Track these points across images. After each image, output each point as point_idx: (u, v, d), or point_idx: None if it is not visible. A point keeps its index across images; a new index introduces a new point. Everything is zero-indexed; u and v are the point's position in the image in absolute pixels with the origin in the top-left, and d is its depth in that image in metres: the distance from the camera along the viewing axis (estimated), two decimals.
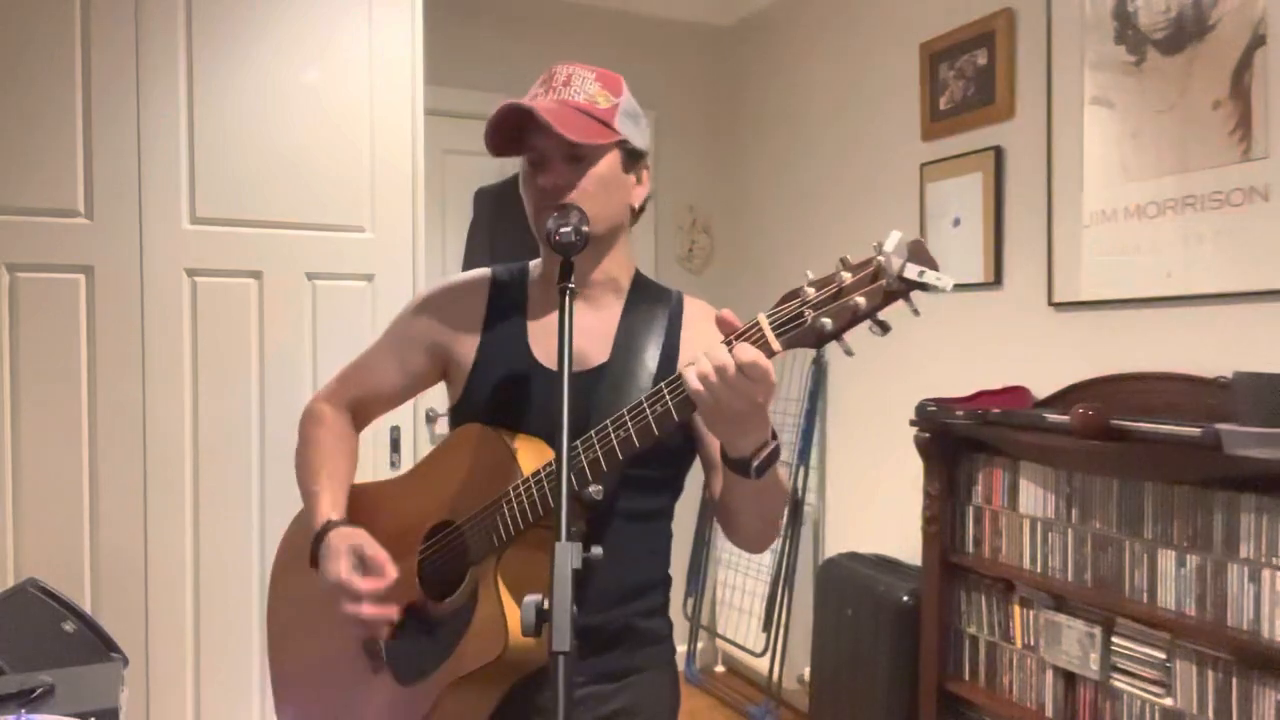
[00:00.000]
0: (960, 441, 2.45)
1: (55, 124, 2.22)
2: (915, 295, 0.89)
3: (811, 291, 0.91)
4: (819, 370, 3.36)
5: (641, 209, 1.28)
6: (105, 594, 2.27)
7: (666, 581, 1.32)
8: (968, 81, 2.74)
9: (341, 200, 2.49)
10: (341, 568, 1.14)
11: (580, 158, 1.17)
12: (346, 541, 1.17)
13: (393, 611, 1.16)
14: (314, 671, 1.34)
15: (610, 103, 1.20)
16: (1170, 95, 2.17)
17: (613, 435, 1.02)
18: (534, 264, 1.32)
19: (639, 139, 1.24)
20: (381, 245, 2.53)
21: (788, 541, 3.34)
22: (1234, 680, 1.85)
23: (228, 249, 2.38)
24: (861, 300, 0.88)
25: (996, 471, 2.39)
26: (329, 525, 1.21)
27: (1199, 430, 1.80)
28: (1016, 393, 2.49)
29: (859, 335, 0.91)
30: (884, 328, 0.89)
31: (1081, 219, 2.38)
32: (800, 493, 3.33)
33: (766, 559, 3.48)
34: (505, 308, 1.28)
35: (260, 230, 2.41)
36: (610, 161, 1.19)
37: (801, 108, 3.54)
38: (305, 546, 1.25)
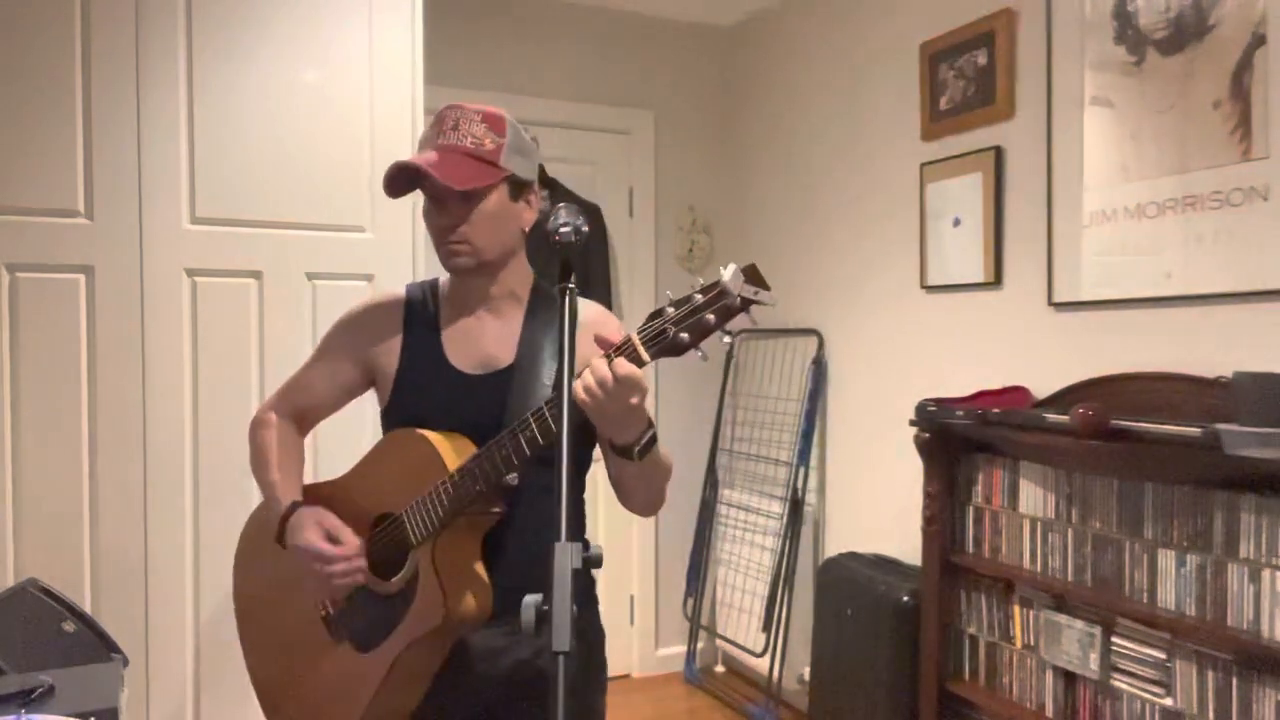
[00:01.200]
0: (960, 441, 2.45)
1: (55, 124, 2.22)
2: (755, 309, 1.12)
3: (672, 311, 1.12)
4: (819, 370, 3.36)
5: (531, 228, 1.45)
6: (105, 594, 2.27)
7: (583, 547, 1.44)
8: (968, 81, 2.74)
9: (341, 200, 2.49)
10: (314, 536, 1.34)
11: (470, 195, 1.33)
12: (313, 517, 1.37)
13: (357, 570, 1.34)
14: (282, 649, 1.51)
15: (496, 143, 1.35)
16: (1170, 95, 2.17)
17: (520, 435, 1.21)
18: (443, 280, 1.49)
19: (526, 170, 1.40)
20: (381, 245, 2.53)
21: (788, 541, 3.34)
22: (1234, 680, 1.85)
23: (228, 249, 2.38)
24: (711, 317, 1.09)
25: (996, 471, 2.39)
26: (294, 505, 1.40)
27: (1199, 430, 1.80)
28: (1016, 393, 2.49)
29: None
30: (732, 335, 1.12)
31: (1081, 219, 2.38)
32: (800, 493, 3.33)
33: (766, 559, 3.48)
34: (420, 321, 1.45)
35: (260, 230, 2.41)
36: (498, 196, 1.36)
37: (801, 108, 3.54)
38: (262, 536, 1.49)
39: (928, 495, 2.50)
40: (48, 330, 2.23)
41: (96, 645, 1.91)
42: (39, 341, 2.22)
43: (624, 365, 1.11)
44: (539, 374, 1.37)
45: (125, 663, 1.89)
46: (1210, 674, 1.89)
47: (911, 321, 2.98)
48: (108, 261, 2.27)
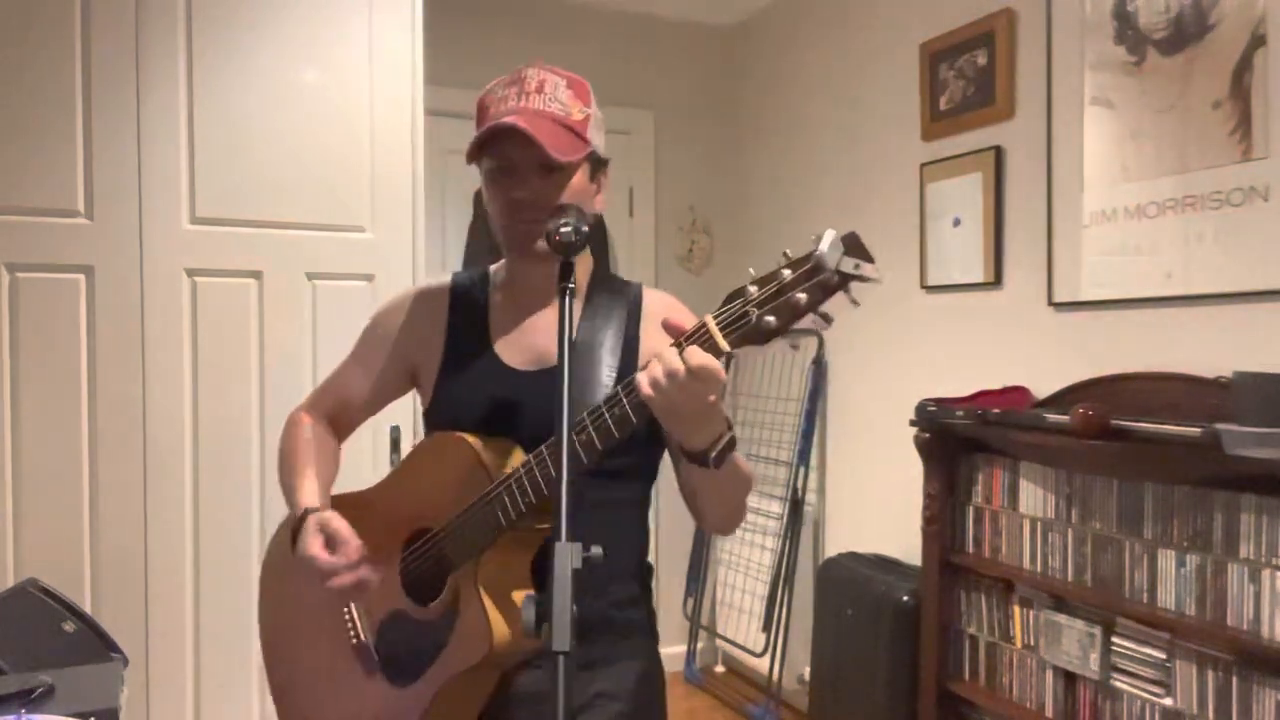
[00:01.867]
0: (960, 441, 2.45)
1: (55, 124, 2.22)
2: (855, 286, 0.93)
3: (754, 290, 0.93)
4: (819, 370, 3.36)
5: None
6: (105, 594, 2.27)
7: (642, 570, 1.32)
8: (968, 81, 2.74)
9: (341, 200, 2.49)
10: (313, 544, 1.18)
11: (553, 169, 1.17)
12: (317, 522, 1.20)
13: (359, 580, 1.17)
14: (309, 676, 1.37)
15: (583, 114, 1.21)
16: (1170, 95, 2.17)
17: (575, 440, 1.03)
18: (494, 268, 1.34)
19: (603, 147, 1.26)
20: (381, 245, 2.53)
21: (788, 541, 3.34)
22: (1234, 680, 1.85)
23: (228, 249, 2.38)
24: (802, 296, 0.91)
25: (996, 471, 2.39)
26: (307, 512, 1.23)
27: (1199, 430, 1.80)
28: (1016, 393, 2.49)
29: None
30: (827, 319, 0.93)
31: (1081, 219, 2.38)
32: (800, 493, 3.33)
33: (766, 559, 3.48)
34: (467, 313, 1.30)
35: (260, 230, 2.41)
36: (581, 173, 1.21)
37: (801, 108, 3.54)
38: (288, 552, 1.27)
39: (928, 495, 2.50)
40: (48, 330, 2.23)
41: (96, 645, 1.91)
42: (39, 341, 2.22)
43: (698, 355, 0.93)
44: (598, 372, 1.20)
45: (125, 663, 1.89)
46: (1210, 674, 1.89)
47: (911, 321, 2.98)
48: (108, 261, 2.27)
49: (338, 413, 1.41)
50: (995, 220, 2.65)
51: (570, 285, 1.07)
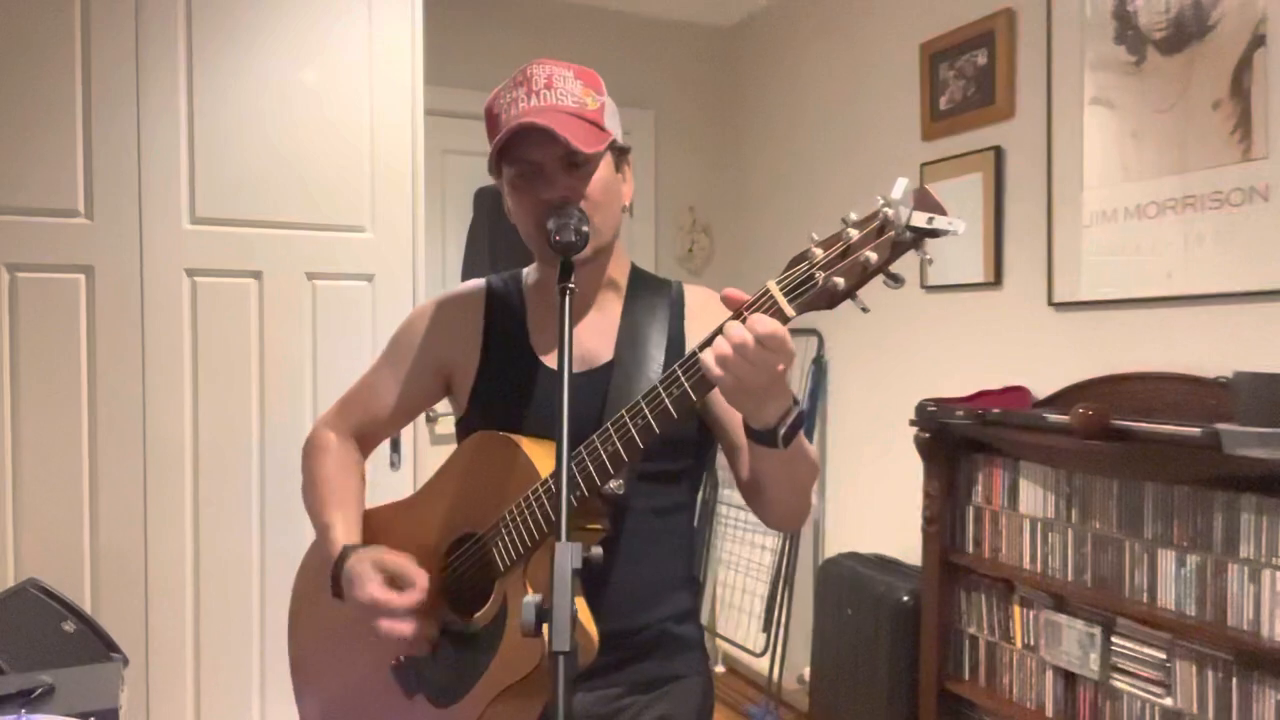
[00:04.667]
0: (960, 441, 2.45)
1: (55, 124, 2.22)
2: (928, 242, 0.86)
3: (819, 252, 0.89)
4: (819, 370, 3.36)
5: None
6: (105, 594, 2.26)
7: (694, 583, 1.29)
8: (968, 81, 2.74)
9: (341, 200, 2.49)
10: (373, 588, 1.12)
11: (578, 164, 1.13)
12: (370, 559, 1.14)
13: (433, 628, 1.14)
14: (345, 703, 1.30)
15: (598, 103, 1.16)
16: (1170, 95, 2.17)
17: (630, 424, 1.00)
18: (526, 271, 1.31)
19: (620, 135, 1.21)
20: (381, 245, 2.53)
21: (788, 541, 3.34)
22: (1234, 680, 1.85)
23: (228, 249, 2.38)
24: (872, 255, 0.85)
25: (996, 471, 2.39)
26: (346, 551, 1.18)
27: (1199, 430, 1.80)
28: (1016, 393, 2.49)
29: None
30: (898, 280, 0.87)
31: (1081, 219, 2.38)
32: None
33: (766, 559, 3.48)
34: (504, 315, 1.26)
35: (260, 230, 2.41)
36: (607, 164, 1.17)
37: (801, 108, 3.54)
38: (324, 577, 1.22)
39: (928, 495, 2.50)
40: (48, 330, 2.23)
41: (96, 645, 1.91)
42: (39, 341, 2.22)
43: (765, 322, 0.88)
44: (644, 369, 1.16)
45: (125, 663, 1.89)
46: (1210, 674, 1.89)
47: (911, 321, 2.98)
48: (108, 261, 2.27)
49: (365, 426, 1.35)
50: (995, 220, 2.65)
51: (570, 285, 1.04)
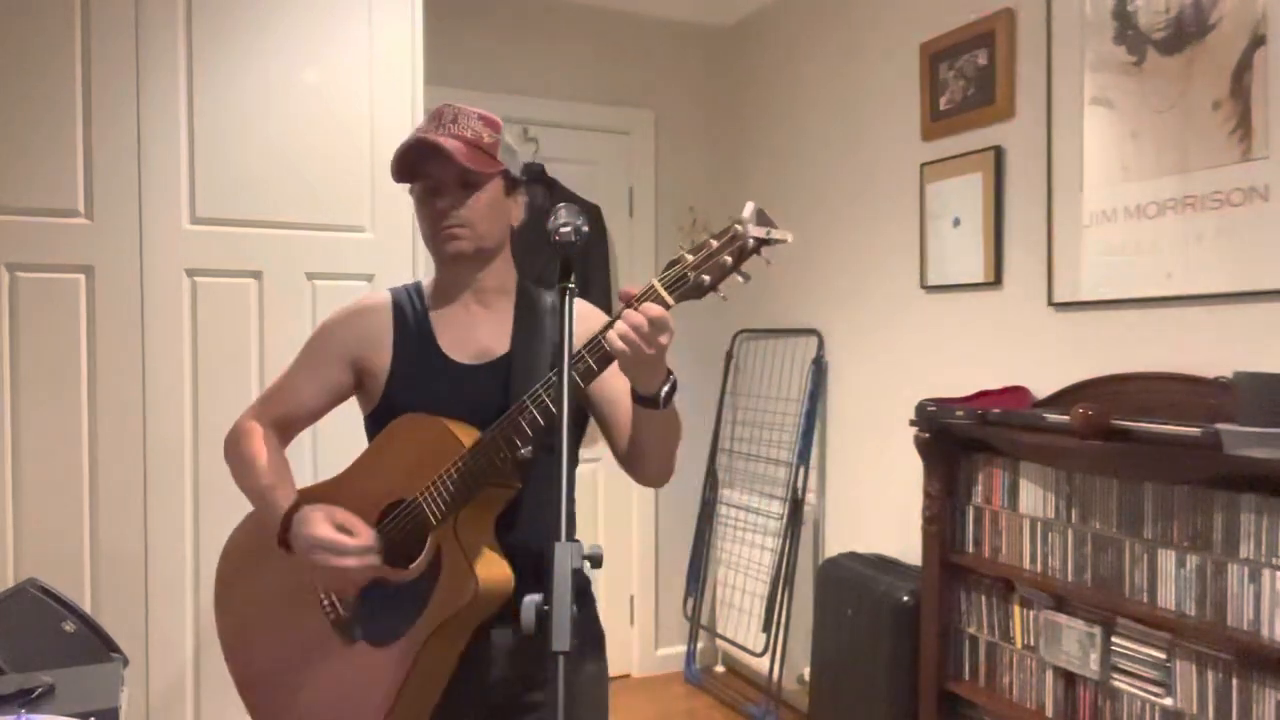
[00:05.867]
0: (960, 441, 2.45)
1: (55, 124, 2.22)
2: (767, 250, 1.16)
3: (690, 257, 1.15)
4: (819, 370, 3.36)
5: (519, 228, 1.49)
6: (105, 594, 2.27)
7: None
8: (968, 81, 2.74)
9: (341, 200, 2.49)
10: (324, 529, 1.30)
11: (470, 185, 1.38)
12: (321, 511, 1.33)
13: (372, 562, 1.31)
14: (286, 661, 1.45)
15: (493, 138, 1.40)
16: (1170, 95, 2.17)
17: (544, 393, 1.23)
18: (425, 281, 1.52)
19: (515, 169, 1.45)
20: (381, 245, 2.53)
21: (788, 541, 3.34)
22: (1234, 680, 1.85)
23: (228, 249, 2.38)
24: (728, 258, 1.13)
25: (996, 471, 2.39)
26: (296, 505, 1.37)
27: (1199, 430, 1.80)
28: (1016, 393, 2.49)
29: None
30: (746, 277, 1.15)
31: (1081, 219, 2.38)
32: (800, 493, 3.33)
33: (766, 559, 3.48)
34: (410, 317, 1.46)
35: (260, 230, 2.41)
36: (495, 188, 1.41)
37: (801, 108, 3.54)
38: (254, 549, 1.44)
39: (928, 495, 2.50)
40: (48, 330, 2.23)
41: (96, 645, 1.91)
42: (39, 341, 2.22)
43: (653, 307, 1.14)
44: (538, 362, 1.38)
45: (125, 663, 1.89)
46: (1210, 674, 1.89)
47: (911, 321, 2.98)
48: (108, 261, 2.27)
49: (284, 421, 1.52)
50: (995, 220, 2.65)
51: (571, 285, 1.18)
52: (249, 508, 2.53)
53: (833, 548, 3.27)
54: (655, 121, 3.87)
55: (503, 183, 1.42)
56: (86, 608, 2.16)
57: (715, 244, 1.14)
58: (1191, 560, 1.93)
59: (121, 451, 2.29)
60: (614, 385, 1.35)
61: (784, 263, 3.62)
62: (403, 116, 2.54)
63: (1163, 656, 1.98)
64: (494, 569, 1.29)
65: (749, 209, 1.14)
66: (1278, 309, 1.97)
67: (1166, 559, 1.98)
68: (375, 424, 1.45)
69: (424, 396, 1.38)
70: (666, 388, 1.25)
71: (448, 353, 1.42)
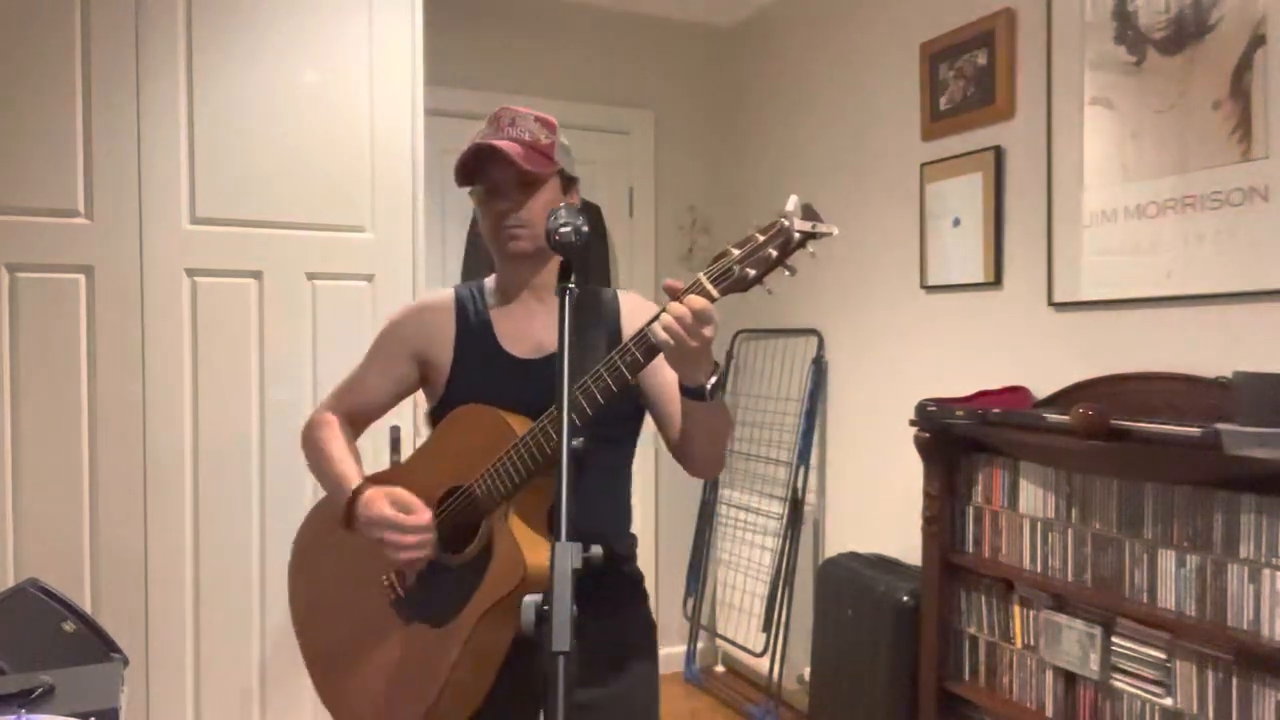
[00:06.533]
0: (960, 441, 2.45)
1: (55, 124, 2.23)
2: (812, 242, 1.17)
3: (735, 251, 1.17)
4: (819, 370, 3.36)
5: None
6: (105, 594, 2.27)
7: (634, 537, 1.56)
8: (968, 81, 2.74)
9: (341, 200, 2.49)
10: (384, 506, 1.37)
11: (528, 185, 1.43)
12: (383, 491, 1.39)
13: (429, 541, 1.37)
14: (348, 639, 1.52)
15: (549, 139, 1.46)
16: (1170, 95, 2.17)
17: (592, 386, 1.25)
18: (488, 280, 1.57)
19: (571, 168, 1.51)
20: (381, 245, 2.53)
21: (788, 541, 3.34)
22: (1234, 680, 1.85)
23: (228, 249, 2.38)
24: (773, 251, 1.15)
25: (996, 471, 2.39)
26: (361, 487, 1.43)
27: (1199, 430, 1.80)
28: (1016, 393, 2.49)
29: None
30: (792, 270, 1.17)
31: (1081, 219, 2.38)
32: (800, 493, 3.33)
33: (766, 559, 3.48)
34: (471, 316, 1.52)
35: (260, 230, 2.41)
36: (552, 187, 1.46)
37: (802, 107, 3.54)
38: (325, 532, 1.51)
39: (928, 495, 2.50)
40: (48, 330, 2.23)
41: (96, 645, 1.91)
42: (39, 341, 2.22)
43: (697, 299, 1.16)
44: (591, 355, 1.40)
45: (125, 663, 1.89)
46: (1210, 674, 1.89)
47: (911, 321, 2.98)
48: (108, 261, 2.28)
49: (355, 414, 1.60)
50: (995, 220, 2.65)
51: (570, 286, 1.19)
52: (248, 509, 2.56)
53: (833, 548, 3.27)
54: (655, 121, 3.87)
55: (559, 181, 1.47)
56: (86, 608, 2.16)
57: (761, 237, 1.15)
58: (1191, 560, 1.93)
59: (121, 451, 2.29)
60: (664, 377, 1.39)
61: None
62: (403, 116, 2.54)
63: (1163, 656, 1.98)
64: (543, 556, 1.30)
65: (792, 202, 1.15)
66: (1278, 309, 1.97)
67: (1166, 559, 1.98)
68: (438, 416, 1.51)
69: (483, 390, 1.43)
70: (713, 380, 1.27)
71: (506, 347, 1.48)
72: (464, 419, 1.43)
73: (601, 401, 1.25)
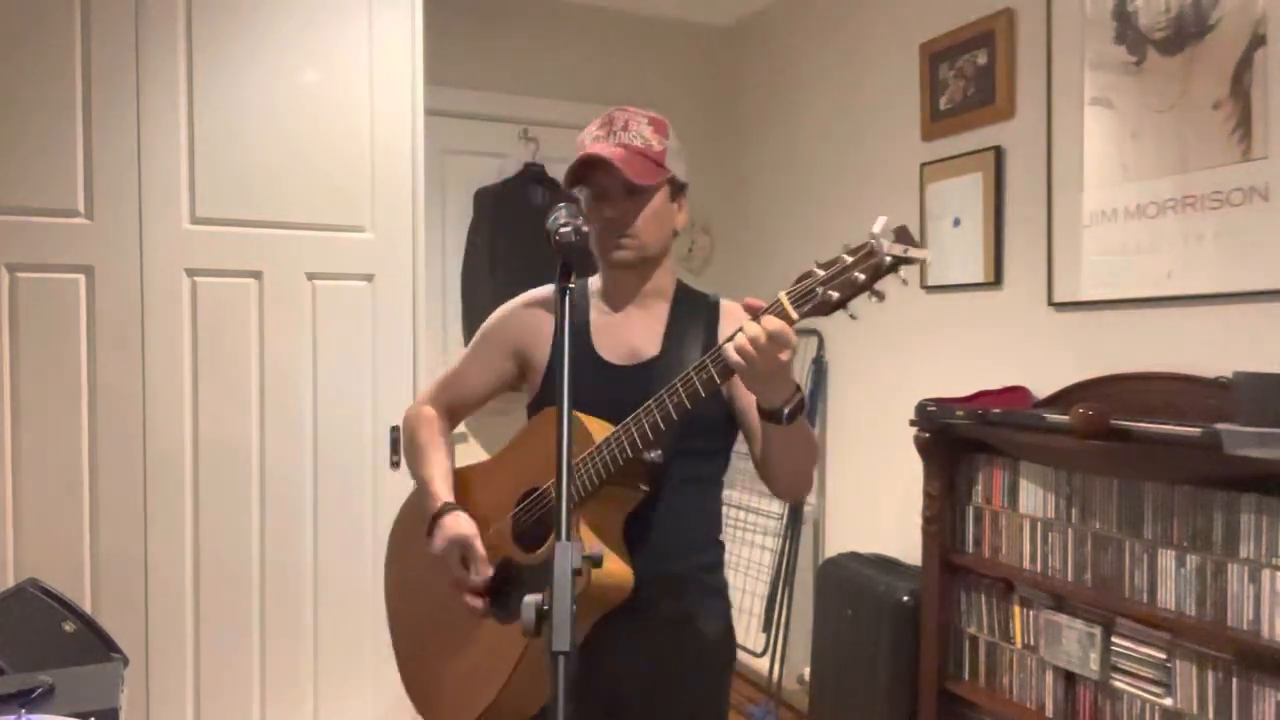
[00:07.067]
0: (960, 441, 2.45)
1: (55, 124, 2.22)
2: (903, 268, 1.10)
3: (820, 272, 1.13)
4: (819, 370, 3.36)
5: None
6: (105, 594, 2.27)
7: (720, 545, 1.56)
8: (968, 81, 2.74)
9: (341, 200, 2.49)
10: (450, 558, 1.41)
11: (637, 192, 1.41)
12: (455, 528, 1.42)
13: (479, 603, 1.41)
14: (428, 624, 1.58)
15: (662, 145, 1.44)
16: (1170, 95, 2.17)
17: (667, 401, 1.23)
18: (593, 280, 1.56)
19: (681, 173, 1.48)
20: (381, 245, 2.53)
21: (788, 541, 3.34)
22: (1234, 680, 1.85)
23: (228, 249, 2.38)
24: (861, 275, 1.09)
25: (996, 471, 2.39)
26: (445, 508, 1.45)
27: (1199, 430, 1.80)
28: (1016, 393, 2.49)
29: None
30: (880, 296, 1.10)
31: (1081, 219, 2.38)
32: None
33: (766, 559, 3.48)
34: (572, 315, 1.44)
35: (260, 230, 2.41)
36: (662, 195, 1.44)
37: (801, 108, 3.54)
38: (421, 517, 1.52)
39: (928, 495, 2.50)
40: (48, 330, 2.23)
41: (96, 645, 1.91)
42: (39, 341, 2.22)
43: (773, 320, 1.14)
44: (683, 363, 1.37)
45: (125, 663, 1.89)
46: (1210, 674, 1.89)
47: (911, 321, 2.98)
48: (108, 261, 2.27)
49: (455, 405, 1.63)
50: (995, 220, 2.65)
51: (570, 286, 1.17)
52: (248, 508, 2.57)
53: (833, 548, 3.27)
54: None
55: (669, 189, 1.45)
56: (86, 608, 2.16)
57: (849, 259, 1.10)
58: (1191, 560, 1.93)
59: (121, 451, 2.29)
60: (747, 394, 1.36)
61: (783, 263, 3.62)
62: (403, 116, 2.54)
63: (1163, 656, 1.98)
64: (609, 565, 1.33)
65: (881, 223, 1.08)
66: (1278, 309, 1.97)
67: (1166, 559, 1.98)
68: (533, 410, 1.54)
69: (574, 393, 1.42)
70: (792, 403, 1.23)
71: (600, 352, 1.47)
72: (547, 421, 1.45)
73: (675, 417, 1.23)
